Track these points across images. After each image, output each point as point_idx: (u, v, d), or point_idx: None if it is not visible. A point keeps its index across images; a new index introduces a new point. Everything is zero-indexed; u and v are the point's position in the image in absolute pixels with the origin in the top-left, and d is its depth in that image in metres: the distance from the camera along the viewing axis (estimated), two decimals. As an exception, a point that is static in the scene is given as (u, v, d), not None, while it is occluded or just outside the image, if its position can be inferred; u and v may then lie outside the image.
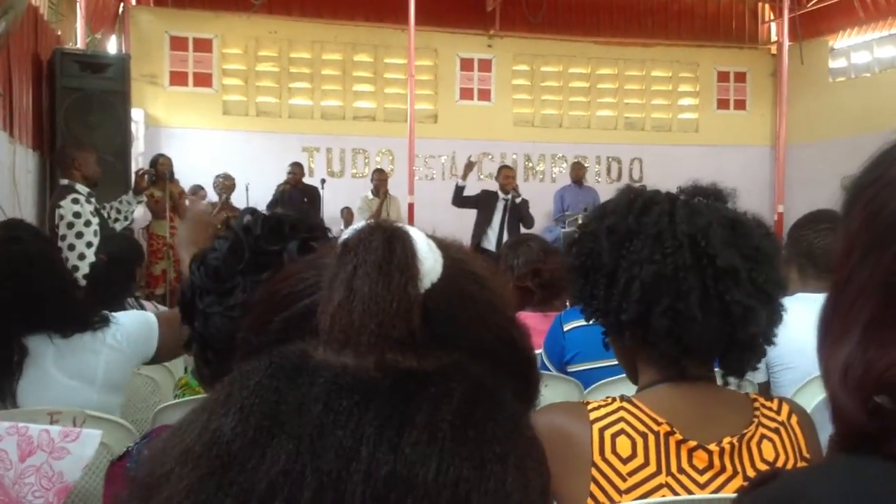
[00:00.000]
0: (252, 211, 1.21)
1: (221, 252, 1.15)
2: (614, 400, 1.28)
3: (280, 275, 0.61)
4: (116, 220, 5.04)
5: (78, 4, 7.75)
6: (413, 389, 0.50)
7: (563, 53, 12.02)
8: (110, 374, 2.02)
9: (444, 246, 0.59)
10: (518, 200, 8.34)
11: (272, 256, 1.11)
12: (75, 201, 4.53)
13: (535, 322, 2.77)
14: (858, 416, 0.58)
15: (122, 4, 10.55)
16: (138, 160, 9.57)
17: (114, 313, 2.10)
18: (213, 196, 8.67)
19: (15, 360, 1.95)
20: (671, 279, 1.22)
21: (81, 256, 4.46)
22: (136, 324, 2.10)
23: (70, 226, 4.47)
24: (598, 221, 1.36)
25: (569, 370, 2.48)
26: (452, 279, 0.56)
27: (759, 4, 12.54)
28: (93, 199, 4.71)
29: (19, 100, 5.72)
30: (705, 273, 1.22)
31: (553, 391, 2.25)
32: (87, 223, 4.50)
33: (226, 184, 8.47)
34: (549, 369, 2.52)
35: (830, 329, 0.61)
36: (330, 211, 9.91)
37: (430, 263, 0.55)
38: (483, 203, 8.47)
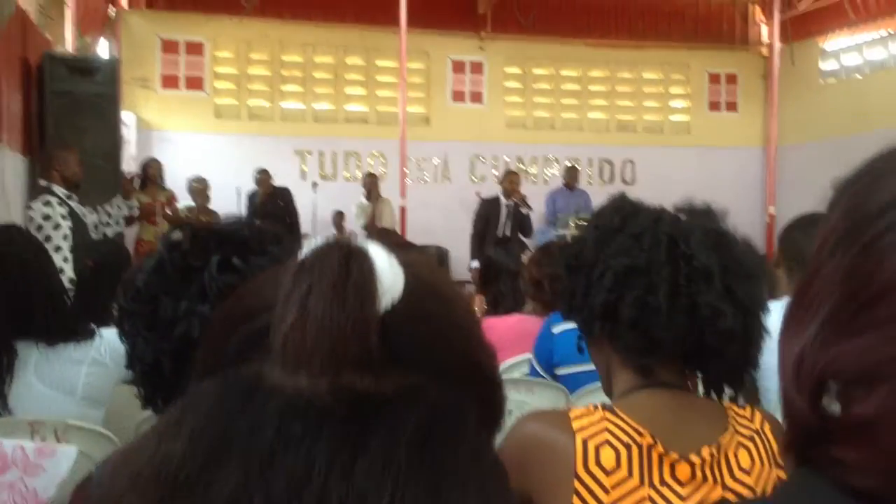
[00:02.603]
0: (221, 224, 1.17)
1: (146, 272, 1.11)
2: (597, 408, 1.28)
3: (238, 292, 0.60)
4: (107, 224, 4.99)
5: (67, 8, 7.71)
6: (369, 414, 0.49)
7: (555, 56, 12.02)
8: (91, 388, 2.01)
9: (408, 264, 0.58)
10: (524, 212, 8.30)
11: (196, 273, 1.06)
12: (47, 203, 4.41)
13: (530, 328, 2.78)
14: (807, 414, 0.56)
15: (112, 7, 10.51)
16: (130, 164, 9.55)
17: (100, 328, 2.09)
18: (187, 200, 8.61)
19: (5, 364, 1.94)
20: (643, 272, 1.24)
21: None
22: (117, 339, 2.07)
23: (39, 228, 4.34)
24: (588, 225, 1.39)
25: (557, 373, 2.48)
26: (415, 298, 0.55)
27: (750, 6, 12.56)
28: (72, 201, 4.59)
29: (8, 104, 5.68)
30: (678, 271, 1.23)
31: (539, 397, 2.25)
32: (57, 226, 4.36)
33: (198, 188, 8.38)
34: (539, 372, 2.52)
35: (791, 322, 0.60)
36: (323, 215, 9.90)
37: (391, 282, 0.54)
38: (489, 212, 8.44)
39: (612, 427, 1.23)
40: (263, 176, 9.13)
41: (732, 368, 1.29)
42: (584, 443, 1.22)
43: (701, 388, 1.34)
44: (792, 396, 0.57)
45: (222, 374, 0.52)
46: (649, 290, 1.23)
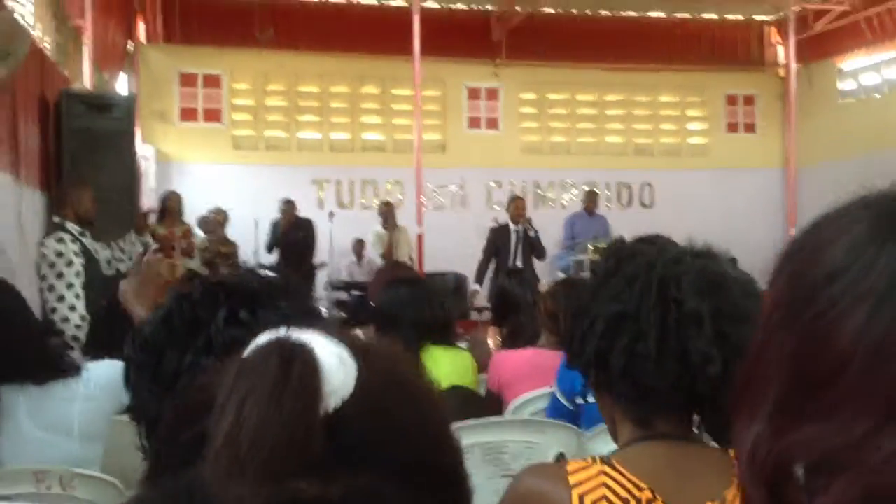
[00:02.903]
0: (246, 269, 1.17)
1: (154, 322, 1.09)
2: (594, 461, 1.24)
3: (191, 387, 0.58)
4: (121, 259, 5.01)
5: (85, 45, 7.83)
6: None
7: (571, 80, 12.04)
8: (86, 424, 1.99)
9: (365, 353, 0.55)
10: (532, 234, 8.27)
11: (203, 327, 1.04)
12: (59, 240, 4.42)
13: (545, 361, 2.74)
14: None
15: (131, 42, 10.68)
16: (150, 196, 9.65)
17: (86, 363, 2.08)
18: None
19: None
20: (632, 318, 1.20)
21: (61, 298, 4.32)
22: (107, 372, 2.07)
23: (52, 265, 4.35)
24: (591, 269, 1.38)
25: (579, 402, 2.43)
26: (369, 394, 0.53)
27: (766, 28, 12.53)
28: (85, 238, 4.60)
29: (25, 142, 5.76)
30: (668, 316, 1.19)
31: (549, 438, 2.21)
32: (69, 263, 4.35)
33: (217, 218, 8.46)
34: (561, 403, 2.47)
35: (741, 407, 0.56)
36: (341, 243, 9.92)
37: (341, 379, 0.52)
38: (498, 241, 8.42)
39: (609, 482, 1.20)
40: (287, 206, 9.20)
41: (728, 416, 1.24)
42: (581, 498, 1.18)
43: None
44: (750, 491, 0.54)
45: (164, 479, 0.50)
46: (638, 337, 1.19)
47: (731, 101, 12.51)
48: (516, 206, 8.49)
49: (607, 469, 1.22)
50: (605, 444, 1.42)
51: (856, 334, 0.49)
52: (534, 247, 8.28)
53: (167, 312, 1.08)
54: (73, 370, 2.02)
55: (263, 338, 0.54)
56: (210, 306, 1.05)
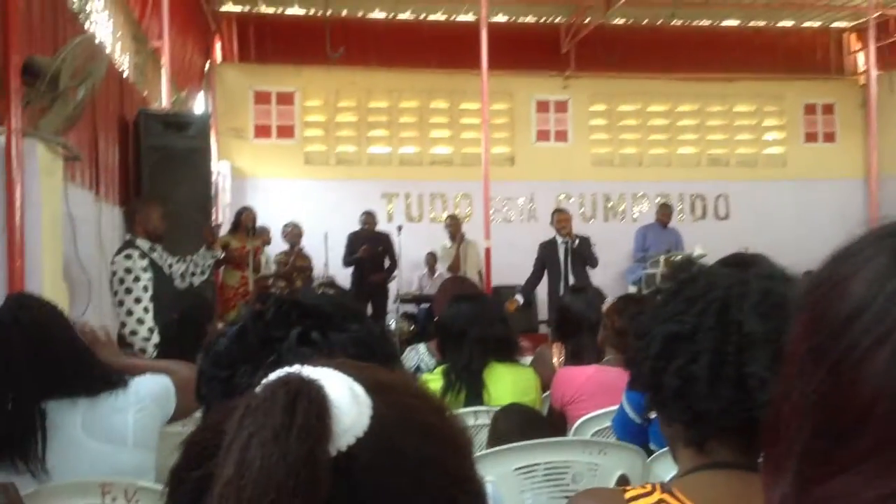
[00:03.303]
0: (327, 283, 1.19)
1: (228, 338, 1.12)
2: (654, 488, 1.20)
3: (200, 425, 0.57)
4: (193, 273, 5.13)
5: (163, 65, 8.08)
6: None
7: (642, 91, 11.89)
8: (140, 432, 2.04)
9: (382, 390, 0.53)
10: (576, 244, 8.08)
11: (275, 344, 1.06)
12: (128, 257, 4.57)
13: (609, 380, 2.68)
14: None
15: (208, 62, 10.99)
16: (226, 211, 9.89)
17: (131, 377, 2.13)
18: (281, 245, 8.81)
19: (39, 426, 1.95)
20: (688, 339, 1.16)
21: (129, 312, 4.46)
22: (153, 383, 2.13)
23: (121, 281, 4.50)
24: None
25: (650, 416, 2.36)
26: (383, 432, 0.51)
27: (845, 35, 12.14)
28: (154, 253, 4.73)
29: (105, 159, 5.97)
30: (727, 338, 1.14)
31: (612, 459, 2.15)
32: (137, 279, 4.48)
33: (294, 232, 8.61)
34: (630, 420, 2.40)
35: (767, 460, 0.53)
36: (412, 256, 9.98)
37: (353, 417, 0.50)
38: (546, 256, 8.30)
39: (668, 509, 1.15)
40: (368, 218, 9.28)
41: None
42: (639, 526, 1.14)
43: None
44: None
45: None
46: (694, 359, 1.15)
47: (810, 109, 12.16)
48: (558, 219, 8.30)
49: (667, 498, 1.17)
50: (671, 468, 1.37)
51: (879, 378, 0.45)
52: (582, 257, 8.09)
53: (241, 328, 1.11)
54: (122, 382, 2.07)
55: (274, 375, 0.53)
56: (283, 325, 1.07)
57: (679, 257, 8.95)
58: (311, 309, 1.10)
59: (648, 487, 1.20)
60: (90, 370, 2.06)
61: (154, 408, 2.08)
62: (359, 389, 0.52)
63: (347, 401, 0.51)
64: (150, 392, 2.09)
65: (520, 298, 8.71)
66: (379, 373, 0.57)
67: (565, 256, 8.09)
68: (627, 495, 1.20)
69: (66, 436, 1.99)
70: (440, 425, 0.55)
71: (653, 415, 2.35)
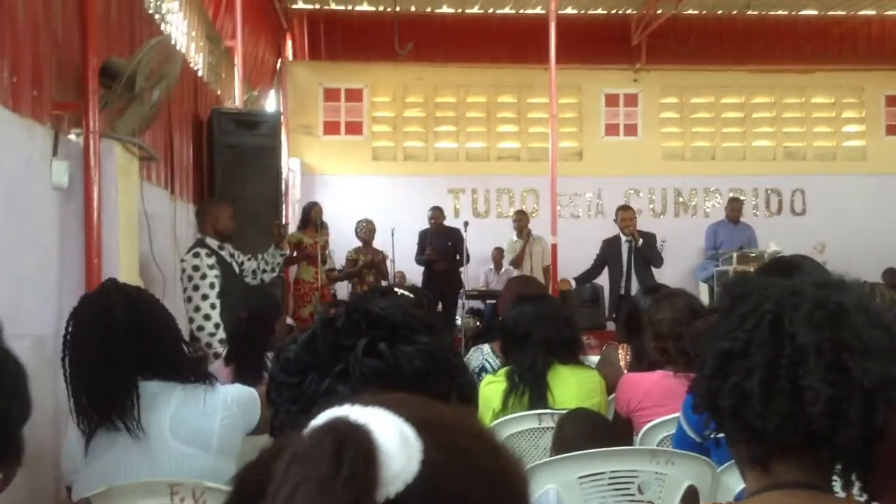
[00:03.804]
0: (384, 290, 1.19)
1: (299, 344, 1.12)
2: (722, 510, 1.16)
3: (252, 462, 0.57)
4: (264, 271, 5.22)
5: (236, 64, 8.24)
6: None
7: (715, 84, 11.61)
8: (225, 438, 2.08)
9: (434, 429, 0.52)
10: (640, 244, 7.90)
11: (344, 353, 1.07)
12: (196, 255, 4.69)
13: (674, 386, 2.62)
14: None
15: (279, 60, 11.17)
16: (295, 207, 10.04)
17: (218, 384, 2.18)
18: (354, 241, 8.88)
19: (135, 393, 2.05)
20: (741, 356, 1.13)
21: (196, 309, 4.58)
22: (241, 392, 2.17)
23: (189, 279, 4.63)
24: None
25: (709, 437, 2.29)
26: (434, 477, 0.50)
27: (930, 22, 11.64)
28: (223, 251, 4.85)
29: (180, 158, 6.12)
30: (780, 352, 1.10)
31: (680, 470, 2.10)
32: (204, 276, 4.59)
33: (368, 228, 8.68)
34: (688, 436, 2.34)
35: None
36: (478, 251, 9.95)
37: (402, 463, 0.49)
38: (609, 253, 8.15)
39: (737, 534, 1.12)
40: (437, 213, 9.28)
41: (857, 459, 1.13)
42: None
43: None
44: None
45: None
46: (747, 376, 1.11)
47: (892, 101, 11.68)
48: (622, 217, 8.09)
49: (731, 520, 1.14)
50: (741, 480, 1.32)
51: None
52: (645, 258, 7.91)
53: (311, 335, 1.11)
54: (210, 378, 2.12)
55: (322, 417, 0.52)
56: (352, 334, 1.07)
57: (753, 254, 8.74)
58: (381, 319, 1.09)
59: (715, 508, 1.17)
60: (187, 362, 2.14)
61: (240, 416, 2.12)
62: (409, 431, 0.51)
63: (397, 446, 0.49)
64: (238, 400, 2.12)
65: (572, 281, 8.61)
66: (431, 410, 0.56)
67: (628, 255, 7.92)
68: (693, 516, 1.17)
69: (156, 437, 2.04)
70: (494, 467, 0.54)
71: (712, 433, 2.29)
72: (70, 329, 2.12)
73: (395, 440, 0.50)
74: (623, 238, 7.98)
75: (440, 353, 1.09)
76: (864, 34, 11.67)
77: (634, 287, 7.46)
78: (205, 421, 2.08)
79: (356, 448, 0.48)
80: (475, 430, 0.56)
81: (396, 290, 2.00)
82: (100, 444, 2.07)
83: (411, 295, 1.96)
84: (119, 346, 2.05)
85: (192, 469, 2.03)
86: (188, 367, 2.16)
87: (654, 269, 7.90)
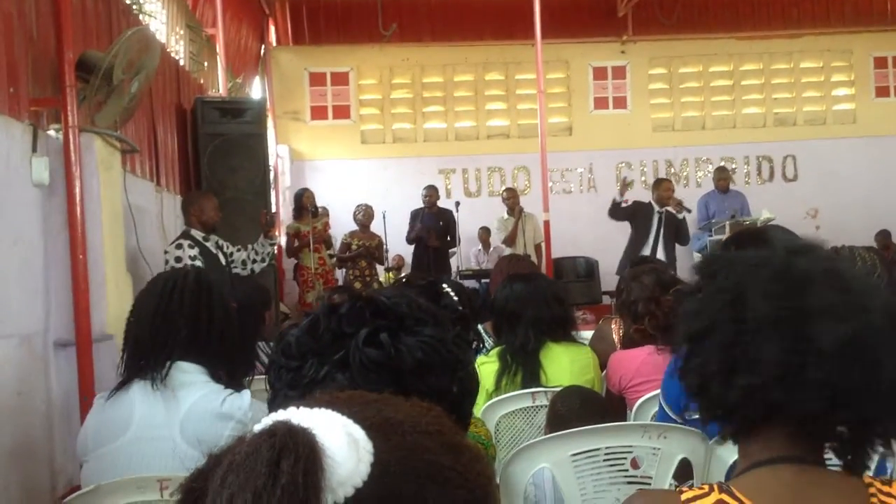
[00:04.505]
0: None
1: (300, 329, 1.11)
2: (712, 489, 1.14)
3: (195, 471, 0.54)
4: (255, 261, 5.20)
5: (218, 52, 8.16)
6: None
7: (703, 52, 11.55)
8: None
9: (387, 429, 0.49)
10: (681, 216, 7.93)
11: (346, 340, 1.05)
12: (178, 246, 4.73)
13: (663, 361, 2.60)
14: None
15: (263, 46, 11.07)
16: (286, 194, 10.00)
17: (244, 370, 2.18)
18: (351, 224, 8.86)
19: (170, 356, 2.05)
20: (705, 336, 1.14)
21: None
22: (259, 406, 2.09)
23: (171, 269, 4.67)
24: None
25: (688, 417, 2.27)
26: (387, 479, 0.47)
27: (918, -18, 11.56)
28: (209, 242, 4.86)
29: (164, 149, 6.06)
30: (743, 326, 1.10)
31: (673, 444, 2.08)
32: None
33: (367, 212, 8.68)
34: (669, 416, 2.33)
35: None
36: (470, 232, 9.93)
37: (351, 467, 0.46)
38: (639, 215, 8.12)
39: (727, 509, 1.09)
40: (431, 191, 9.21)
41: (820, 426, 1.11)
42: (696, 530, 1.09)
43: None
44: None
45: None
46: (709, 355, 1.13)
47: (880, 63, 11.62)
48: (665, 187, 8.12)
49: (726, 497, 1.12)
50: (734, 452, 1.31)
51: None
52: (679, 230, 7.93)
53: (314, 321, 1.10)
54: (244, 383, 2.12)
55: (265, 421, 0.49)
56: (355, 322, 1.06)
57: (747, 221, 8.72)
58: (386, 308, 1.08)
59: (706, 488, 1.15)
60: (226, 355, 2.13)
61: (251, 427, 2.06)
62: (358, 433, 0.48)
63: (344, 449, 0.47)
64: (255, 410, 2.04)
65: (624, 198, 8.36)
66: (386, 408, 0.53)
67: (658, 226, 7.93)
68: (684, 497, 1.15)
69: (163, 431, 2.01)
70: (452, 465, 0.51)
71: (692, 416, 2.27)
72: (140, 293, 2.20)
73: (341, 443, 0.47)
74: (657, 209, 7.98)
75: (443, 345, 1.07)
76: (850, -4, 11.63)
77: (659, 257, 7.47)
78: (214, 427, 2.02)
79: (295, 455, 0.45)
80: (432, 428, 0.53)
81: (443, 287, 1.92)
82: (112, 429, 2.06)
83: (455, 297, 1.88)
84: (175, 314, 2.07)
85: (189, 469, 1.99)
86: (227, 367, 2.14)
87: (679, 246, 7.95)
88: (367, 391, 0.59)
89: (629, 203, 8.24)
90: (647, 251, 7.84)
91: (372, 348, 1.03)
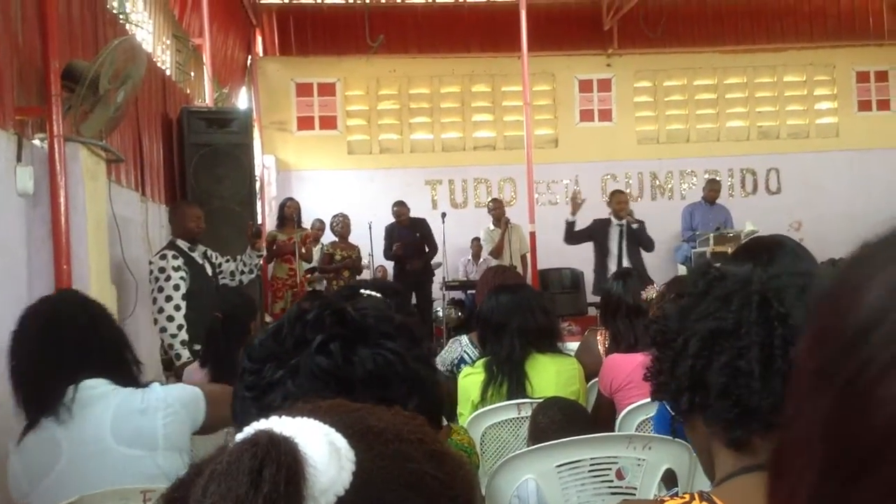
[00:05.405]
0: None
1: (266, 333, 1.10)
2: (693, 498, 1.15)
3: (176, 480, 0.54)
4: (242, 272, 5.19)
5: (205, 62, 8.15)
6: None
7: (687, 66, 11.65)
8: (171, 436, 2.05)
9: (370, 437, 0.50)
10: (635, 226, 7.95)
11: (306, 347, 1.04)
12: (162, 257, 4.71)
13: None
14: None
15: (249, 57, 11.07)
16: (272, 204, 9.97)
17: (155, 384, 2.17)
18: (330, 236, 8.86)
19: (66, 392, 2.03)
20: (731, 334, 1.12)
21: (160, 310, 4.61)
22: (182, 390, 2.16)
23: (155, 280, 4.65)
24: (672, 298, 1.28)
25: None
26: (369, 488, 0.47)
27: (898, -3, 11.72)
28: (195, 252, 4.85)
29: (150, 159, 6.04)
30: (772, 332, 1.10)
31: (657, 454, 2.10)
32: (168, 278, 4.62)
33: (344, 222, 8.65)
34: (669, 414, 2.34)
35: (775, 491, 0.45)
36: (457, 242, 9.93)
37: (332, 476, 0.47)
38: (597, 233, 8.15)
39: (708, 521, 1.10)
40: (400, 207, 9.19)
41: None
42: (678, 539, 1.10)
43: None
44: None
45: None
46: (739, 354, 1.11)
47: (863, 77, 11.77)
48: (617, 200, 8.14)
49: (705, 505, 1.12)
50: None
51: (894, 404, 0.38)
52: (639, 240, 7.95)
53: (279, 326, 1.09)
54: (143, 383, 2.12)
55: (247, 430, 0.50)
56: (317, 329, 1.04)
57: (731, 234, 8.78)
58: (350, 319, 1.06)
59: (686, 497, 1.16)
60: (123, 362, 2.13)
61: (184, 413, 2.10)
62: (340, 442, 0.49)
63: (325, 457, 0.47)
64: (179, 398, 2.10)
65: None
66: (370, 416, 0.54)
67: (619, 239, 7.95)
68: (665, 505, 1.16)
69: (100, 444, 2.01)
70: (435, 474, 0.51)
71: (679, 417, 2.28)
72: (17, 325, 2.15)
73: (323, 451, 0.47)
74: (615, 221, 8.01)
75: (401, 360, 1.04)
76: (833, 11, 11.74)
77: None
78: (145, 421, 2.05)
79: (277, 464, 0.46)
80: (415, 436, 0.54)
81: (362, 291, 1.93)
82: (43, 461, 2.04)
83: (378, 294, 1.90)
84: (62, 342, 2.07)
85: (141, 471, 2.00)
86: (128, 373, 2.15)
87: (643, 253, 7.94)
88: (316, 399, 0.59)
89: (576, 222, 8.23)
90: (612, 265, 7.86)
91: (322, 356, 1.02)
